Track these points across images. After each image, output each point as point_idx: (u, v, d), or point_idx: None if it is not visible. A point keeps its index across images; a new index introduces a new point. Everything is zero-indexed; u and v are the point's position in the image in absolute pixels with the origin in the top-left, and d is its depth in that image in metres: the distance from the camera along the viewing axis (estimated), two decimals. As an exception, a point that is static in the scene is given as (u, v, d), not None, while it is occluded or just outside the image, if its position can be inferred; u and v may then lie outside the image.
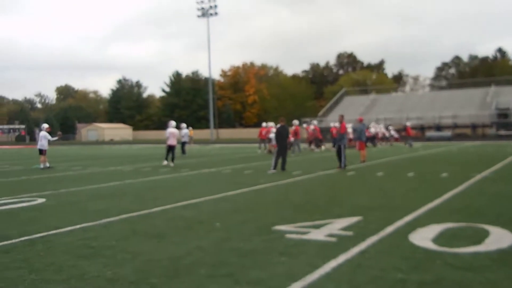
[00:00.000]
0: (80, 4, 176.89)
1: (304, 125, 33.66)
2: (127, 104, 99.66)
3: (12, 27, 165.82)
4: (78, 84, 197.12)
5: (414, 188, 9.72)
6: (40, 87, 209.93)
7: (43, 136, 17.70)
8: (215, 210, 7.60)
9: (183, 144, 24.57)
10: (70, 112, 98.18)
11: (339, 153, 14.50)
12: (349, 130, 33.88)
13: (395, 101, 63.81)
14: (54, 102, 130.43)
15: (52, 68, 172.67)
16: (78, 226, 6.45)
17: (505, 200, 7.90)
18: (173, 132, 17.97)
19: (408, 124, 34.47)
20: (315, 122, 30.13)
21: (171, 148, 17.80)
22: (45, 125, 18.32)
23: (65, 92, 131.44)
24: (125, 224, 6.56)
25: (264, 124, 27.55)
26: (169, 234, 5.88)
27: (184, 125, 25.80)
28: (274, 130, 24.16)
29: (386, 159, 18.78)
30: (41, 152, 17.51)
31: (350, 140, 33.57)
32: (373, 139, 31.63)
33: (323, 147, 27.68)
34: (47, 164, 17.55)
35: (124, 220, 6.90)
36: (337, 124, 28.30)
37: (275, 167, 14.06)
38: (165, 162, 17.70)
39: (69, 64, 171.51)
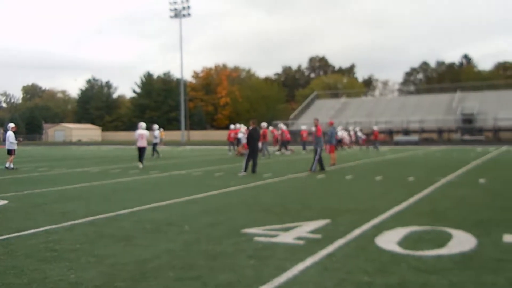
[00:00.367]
0: (52, 3, 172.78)
1: (270, 128, 33.62)
2: (96, 104, 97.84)
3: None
4: (49, 84, 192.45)
5: (382, 192, 9.89)
6: (6, 86, 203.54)
7: (9, 136, 17.35)
8: (185, 212, 7.53)
9: (154, 145, 24.30)
10: (36, 111, 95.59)
11: (316, 155, 14.68)
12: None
13: (365, 105, 64.90)
14: (20, 101, 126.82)
15: (21, 68, 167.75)
16: (41, 229, 6.27)
17: (468, 204, 8.13)
18: (142, 133, 17.75)
19: (376, 128, 35.30)
20: (281, 125, 30.29)
21: (141, 150, 17.61)
22: (11, 125, 17.93)
23: (32, 91, 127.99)
24: (91, 227, 6.42)
25: (232, 126, 27.54)
26: (137, 237, 5.79)
27: (156, 126, 25.56)
28: (243, 130, 24.27)
29: (355, 163, 19.05)
30: (10, 152, 17.23)
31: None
32: (338, 142, 32.36)
33: (289, 152, 27.92)
34: (11, 165, 17.09)
35: (90, 222, 6.75)
36: (307, 128, 28.51)
37: (246, 170, 14.06)
38: (140, 165, 17.44)
39: (39, 64, 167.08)
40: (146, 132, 18.04)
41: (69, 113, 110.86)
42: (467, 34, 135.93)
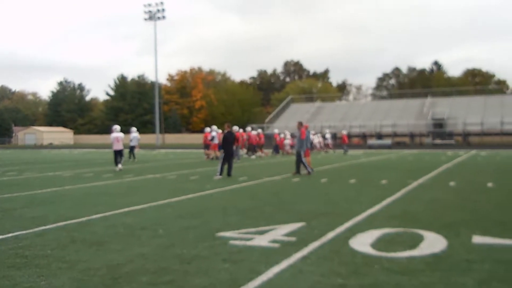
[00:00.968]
0: (24, 4, 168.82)
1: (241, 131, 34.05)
2: (68, 107, 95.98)
3: None
4: (18, 86, 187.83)
5: (356, 195, 10.01)
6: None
7: None
8: (159, 216, 7.46)
9: (131, 148, 24.00)
10: (6, 114, 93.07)
11: (298, 160, 14.74)
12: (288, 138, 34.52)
13: (339, 109, 65.64)
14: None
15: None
16: (10, 235, 6.11)
17: (439, 206, 8.31)
18: (117, 136, 17.72)
19: (344, 132, 36.13)
20: (248, 128, 30.62)
21: (117, 153, 17.60)
22: None
23: (0, 93, 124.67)
24: (62, 232, 6.28)
25: (207, 129, 27.43)
26: (109, 241, 5.69)
27: (134, 129, 25.31)
28: (214, 133, 24.26)
29: (329, 166, 19.24)
30: None
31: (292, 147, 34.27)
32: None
33: (263, 154, 28.12)
34: None
35: (61, 227, 6.61)
36: (278, 131, 28.52)
37: (221, 173, 14.02)
38: (116, 168, 17.43)
39: (8, 65, 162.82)
40: (121, 135, 17.97)
41: (40, 116, 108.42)
42: (437, 41, 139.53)
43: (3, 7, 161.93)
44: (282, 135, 32.97)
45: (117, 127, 18.38)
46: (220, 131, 24.85)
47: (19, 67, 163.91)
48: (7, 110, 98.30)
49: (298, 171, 14.92)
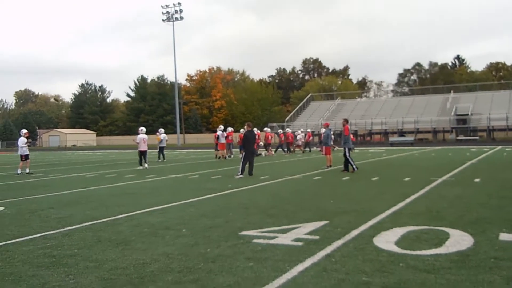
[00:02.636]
0: (43, 8, 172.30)
1: (288, 130, 35.07)
2: (90, 109, 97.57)
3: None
4: (41, 89, 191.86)
5: (378, 192, 9.92)
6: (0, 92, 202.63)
7: (20, 141, 17.67)
8: (182, 215, 7.53)
9: (161, 149, 24.31)
10: (30, 117, 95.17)
11: (345, 156, 14.80)
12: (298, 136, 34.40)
13: (360, 106, 65.10)
14: (13, 107, 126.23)
15: (12, 73, 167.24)
16: (38, 235, 6.25)
17: (464, 203, 8.17)
18: (144, 138, 19.00)
19: (309, 130, 35.86)
20: (266, 129, 31.16)
21: (142, 153, 18.77)
22: (23, 131, 18.30)
23: (24, 96, 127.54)
24: (88, 232, 6.40)
25: (230, 129, 27.55)
26: (135, 241, 5.78)
27: (162, 130, 25.63)
28: (219, 133, 25.01)
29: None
30: (21, 157, 17.40)
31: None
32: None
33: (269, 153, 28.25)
34: (27, 170, 17.42)
35: (87, 227, 6.73)
36: (270, 130, 28.53)
37: (242, 172, 14.06)
38: (140, 167, 18.52)
39: (31, 69, 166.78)
40: (147, 137, 19.29)
41: (63, 118, 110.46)
42: (459, 35, 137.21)
43: (25, 12, 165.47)
44: (289, 131, 33.20)
45: (143, 128, 19.50)
46: (220, 131, 25.52)
47: (42, 71, 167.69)
48: (31, 113, 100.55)
49: (346, 168, 14.80)
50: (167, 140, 25.57)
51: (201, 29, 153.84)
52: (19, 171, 17.27)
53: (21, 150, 17.45)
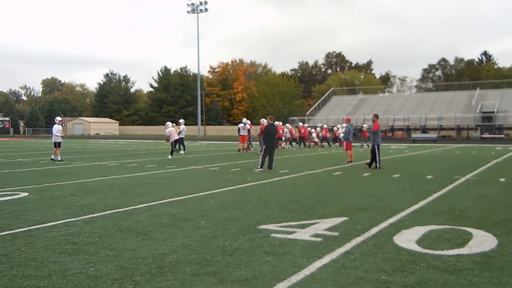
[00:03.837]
0: (70, 0, 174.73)
1: (300, 124, 34.75)
2: (114, 98, 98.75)
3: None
4: (67, 78, 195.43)
5: (399, 190, 9.78)
6: (27, 80, 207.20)
7: (55, 129, 18.04)
8: (201, 207, 7.56)
9: (181, 140, 24.49)
10: (55, 105, 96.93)
11: (373, 152, 14.67)
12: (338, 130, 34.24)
13: (382, 101, 64.26)
14: (40, 94, 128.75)
15: (39, 62, 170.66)
16: (60, 222, 6.36)
17: (488, 203, 7.99)
18: (171, 130, 20.14)
19: (365, 126, 34.80)
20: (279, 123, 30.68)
21: (176, 142, 20.19)
22: (58, 118, 18.59)
23: (51, 84, 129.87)
24: (109, 220, 6.48)
25: (260, 120, 27.47)
26: (154, 231, 5.83)
27: (182, 121, 25.78)
28: (240, 125, 25.47)
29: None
30: (55, 144, 17.78)
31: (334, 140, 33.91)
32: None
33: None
34: (59, 157, 17.76)
35: (108, 216, 6.82)
36: (304, 124, 28.49)
37: (262, 166, 14.05)
38: (170, 157, 19.41)
39: (57, 58, 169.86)
40: (173, 129, 20.57)
41: (88, 107, 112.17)
42: (485, 32, 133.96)
43: (53, 4, 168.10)
44: (300, 125, 33.03)
45: (169, 123, 20.90)
46: (242, 123, 25.77)
47: (68, 60, 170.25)
48: (57, 101, 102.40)
49: (371, 163, 14.67)
50: (185, 131, 25.78)
51: (224, 21, 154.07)
52: (53, 157, 17.66)
53: (55, 137, 17.76)
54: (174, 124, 25.46)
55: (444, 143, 39.36)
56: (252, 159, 18.22)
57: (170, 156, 19.48)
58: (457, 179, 11.51)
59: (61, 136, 18.09)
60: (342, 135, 33.69)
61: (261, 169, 13.84)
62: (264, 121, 25.35)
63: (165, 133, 20.24)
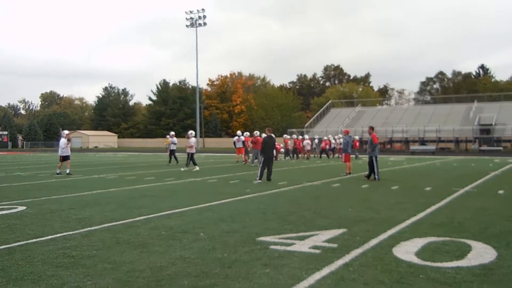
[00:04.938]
0: (68, 12, 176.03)
1: (294, 137, 34.52)
2: (112, 111, 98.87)
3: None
4: (66, 91, 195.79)
5: (398, 201, 9.77)
6: (25, 94, 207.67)
7: (61, 143, 17.92)
8: (200, 219, 7.53)
9: (172, 152, 24.49)
10: (54, 118, 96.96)
11: (371, 164, 14.70)
12: (333, 141, 34.32)
13: (381, 114, 64.41)
14: (38, 108, 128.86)
15: (38, 76, 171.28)
16: (58, 235, 6.33)
17: (487, 215, 7.98)
18: (194, 140, 20.62)
19: (357, 137, 35.29)
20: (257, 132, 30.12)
21: (192, 154, 20.32)
22: (65, 132, 18.41)
23: (49, 98, 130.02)
24: (107, 233, 6.46)
25: (247, 133, 27.47)
26: (152, 243, 5.80)
27: (172, 133, 25.79)
28: (235, 138, 25.31)
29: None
30: (60, 158, 17.60)
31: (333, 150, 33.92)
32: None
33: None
34: (67, 170, 17.61)
35: (106, 229, 6.79)
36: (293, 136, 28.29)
37: (261, 177, 14.03)
38: (185, 168, 19.83)
39: (56, 72, 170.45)
40: (194, 140, 20.95)
41: (86, 120, 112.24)
42: (483, 45, 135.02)
43: (51, 16, 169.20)
44: (296, 137, 33.09)
45: (193, 132, 21.10)
46: (237, 136, 25.79)
47: (67, 74, 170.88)
48: (55, 114, 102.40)
49: (369, 175, 14.72)
50: (166, 144, 25.82)
51: (223, 34, 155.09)
52: (58, 171, 17.54)
53: (61, 150, 17.63)
54: (168, 136, 25.52)
55: (443, 155, 39.38)
56: (250, 171, 18.19)
57: (186, 168, 19.91)
58: (455, 191, 11.50)
59: (64, 149, 17.76)
60: (333, 146, 34.07)
61: (260, 181, 13.83)
62: (257, 133, 25.51)
63: (189, 143, 20.40)
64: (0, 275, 4.47)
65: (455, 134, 51.54)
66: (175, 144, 24.87)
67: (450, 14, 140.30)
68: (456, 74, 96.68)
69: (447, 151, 48.30)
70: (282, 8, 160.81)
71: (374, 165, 14.62)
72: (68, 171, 17.53)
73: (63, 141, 17.92)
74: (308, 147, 32.47)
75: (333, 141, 34.94)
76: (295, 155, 31.57)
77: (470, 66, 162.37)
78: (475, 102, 60.35)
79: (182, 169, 19.97)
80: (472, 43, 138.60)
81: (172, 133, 26.12)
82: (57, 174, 17.34)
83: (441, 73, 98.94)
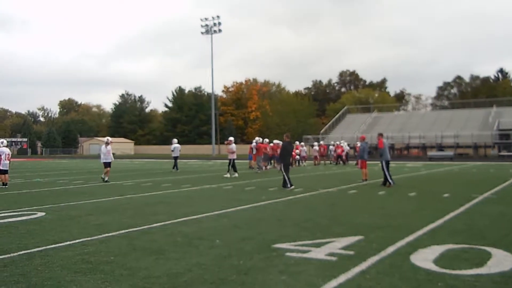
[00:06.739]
0: (85, 20, 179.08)
1: (297, 143, 33.71)
2: (129, 118, 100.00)
3: (17, 43, 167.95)
4: (84, 98, 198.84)
5: (416, 208, 9.66)
6: (44, 101, 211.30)
7: (102, 150, 18.17)
8: (216, 226, 7.55)
9: (175, 158, 24.61)
10: (72, 125, 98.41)
11: (383, 170, 14.71)
12: (346, 148, 34.10)
13: (397, 119, 63.88)
14: (57, 115, 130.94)
15: (56, 83, 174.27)
16: (77, 241, 6.41)
17: (507, 222, 7.84)
18: (234, 146, 20.90)
19: (358, 144, 34.36)
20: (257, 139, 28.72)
21: (233, 161, 20.38)
22: (109, 139, 18.47)
23: (68, 106, 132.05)
24: (124, 240, 6.51)
25: (266, 140, 27.47)
26: (169, 250, 5.83)
27: (175, 140, 26.04)
28: (253, 144, 25.10)
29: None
30: (106, 165, 17.81)
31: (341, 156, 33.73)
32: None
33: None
34: (106, 178, 17.69)
35: (123, 235, 6.86)
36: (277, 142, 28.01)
37: (291, 183, 13.97)
38: (228, 175, 19.99)
39: (74, 79, 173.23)
40: (234, 146, 21.07)
41: (103, 127, 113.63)
42: (501, 48, 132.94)
43: (69, 26, 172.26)
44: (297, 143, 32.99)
45: (232, 138, 21.47)
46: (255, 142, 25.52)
47: (85, 82, 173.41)
48: (73, 122, 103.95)
49: (385, 182, 14.63)
50: (180, 150, 25.80)
51: (238, 41, 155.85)
52: (103, 177, 17.64)
53: (103, 157, 17.79)
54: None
55: (461, 161, 38.83)
56: (266, 178, 18.18)
57: (228, 175, 20.10)
58: (474, 197, 11.33)
59: (104, 156, 17.77)
60: (346, 151, 33.87)
61: (293, 187, 13.78)
62: (266, 140, 25.55)
63: (229, 148, 20.57)
64: (21, 280, 4.55)
65: (473, 140, 50.80)
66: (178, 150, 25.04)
67: (466, 17, 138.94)
68: (474, 78, 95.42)
69: (466, 157, 47.63)
70: (294, 15, 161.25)
71: (385, 170, 14.51)
72: (105, 178, 17.56)
73: (102, 148, 18.07)
74: (304, 154, 32.21)
75: (346, 147, 34.71)
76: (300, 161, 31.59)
77: (488, 70, 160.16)
78: (494, 106, 59.44)
79: (224, 175, 20.28)
80: (490, 46, 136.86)
81: (175, 139, 26.36)
82: (105, 181, 17.31)
83: (458, 77, 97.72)
